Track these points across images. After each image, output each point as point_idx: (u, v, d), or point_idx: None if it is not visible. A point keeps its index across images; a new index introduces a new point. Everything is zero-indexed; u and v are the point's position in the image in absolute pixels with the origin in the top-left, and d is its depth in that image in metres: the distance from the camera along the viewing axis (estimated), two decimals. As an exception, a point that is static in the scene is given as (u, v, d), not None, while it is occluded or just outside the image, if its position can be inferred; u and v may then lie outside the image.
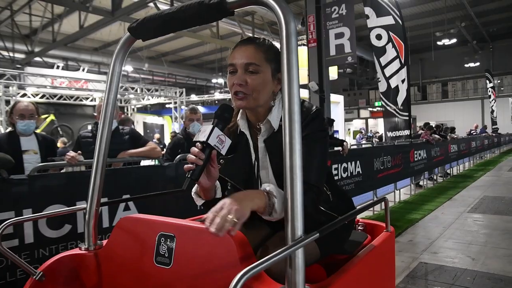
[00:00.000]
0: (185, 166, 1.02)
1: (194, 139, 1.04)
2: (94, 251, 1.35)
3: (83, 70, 14.27)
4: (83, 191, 2.17)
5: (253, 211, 0.97)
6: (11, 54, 15.08)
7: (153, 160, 3.14)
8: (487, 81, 18.51)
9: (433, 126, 8.37)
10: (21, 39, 15.02)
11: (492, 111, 18.18)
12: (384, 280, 1.41)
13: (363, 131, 21.72)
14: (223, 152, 1.05)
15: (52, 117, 12.37)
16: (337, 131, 10.79)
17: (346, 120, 19.79)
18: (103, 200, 1.44)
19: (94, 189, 1.39)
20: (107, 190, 1.48)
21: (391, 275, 1.47)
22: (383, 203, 1.51)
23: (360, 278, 1.18)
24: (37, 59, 16.54)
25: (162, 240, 1.14)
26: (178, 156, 2.53)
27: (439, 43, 20.23)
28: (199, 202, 1.24)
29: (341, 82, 26.92)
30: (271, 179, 1.18)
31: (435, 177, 8.64)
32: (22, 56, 15.51)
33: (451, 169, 10.00)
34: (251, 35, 16.16)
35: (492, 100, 18.05)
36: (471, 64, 25.04)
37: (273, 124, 1.17)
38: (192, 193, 1.23)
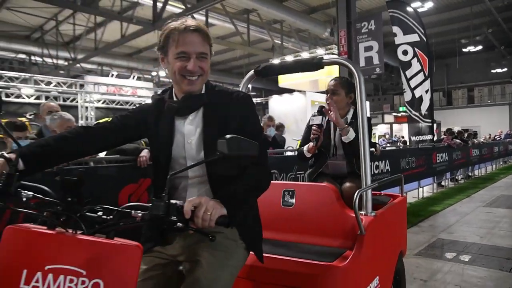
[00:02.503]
0: (311, 136, 2.22)
1: (310, 123, 2.24)
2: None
3: (133, 78, 15.46)
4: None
5: None
6: (54, 61, 16.22)
7: None
8: (513, 87, 18.64)
9: (455, 131, 9.05)
10: (64, 47, 15.98)
11: (518, 117, 18.32)
12: (401, 224, 2.39)
13: (387, 135, 22.20)
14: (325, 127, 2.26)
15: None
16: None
17: (371, 124, 20.23)
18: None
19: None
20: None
21: (404, 223, 2.47)
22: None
23: (389, 216, 2.12)
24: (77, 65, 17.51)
25: (286, 193, 2.09)
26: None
27: (464, 50, 20.43)
28: (308, 155, 2.32)
29: (366, 87, 26.94)
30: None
31: (458, 177, 9.30)
32: (63, 62, 16.46)
33: (473, 171, 10.60)
34: (279, 41, 17.07)
35: (518, 106, 18.21)
36: (498, 70, 24.94)
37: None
38: (304, 150, 2.31)
